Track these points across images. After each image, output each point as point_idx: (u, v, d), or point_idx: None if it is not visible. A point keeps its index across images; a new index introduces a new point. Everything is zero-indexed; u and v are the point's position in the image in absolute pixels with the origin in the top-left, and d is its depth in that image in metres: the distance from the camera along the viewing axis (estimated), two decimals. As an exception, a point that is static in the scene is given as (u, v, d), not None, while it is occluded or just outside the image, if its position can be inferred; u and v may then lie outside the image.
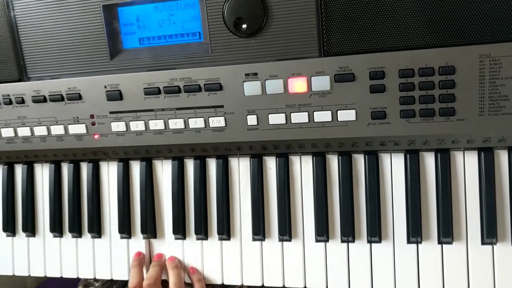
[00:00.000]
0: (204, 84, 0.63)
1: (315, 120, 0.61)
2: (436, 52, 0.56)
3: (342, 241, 0.66)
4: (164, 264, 0.72)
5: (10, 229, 0.79)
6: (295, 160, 0.68)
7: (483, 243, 0.62)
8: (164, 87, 0.64)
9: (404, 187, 0.64)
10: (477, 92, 0.57)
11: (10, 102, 0.70)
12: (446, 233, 0.62)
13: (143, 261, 0.73)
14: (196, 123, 0.65)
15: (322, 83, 0.60)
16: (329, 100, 0.60)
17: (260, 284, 0.69)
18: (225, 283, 0.71)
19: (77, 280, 0.84)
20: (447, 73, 0.56)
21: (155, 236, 0.74)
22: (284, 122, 0.62)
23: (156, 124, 0.66)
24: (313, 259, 0.67)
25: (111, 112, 0.67)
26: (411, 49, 0.57)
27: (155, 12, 0.65)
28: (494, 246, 0.61)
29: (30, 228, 0.78)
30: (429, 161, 0.64)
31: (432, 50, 0.56)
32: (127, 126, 0.67)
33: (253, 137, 0.64)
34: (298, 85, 0.61)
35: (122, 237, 0.75)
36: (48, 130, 0.70)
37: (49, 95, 0.68)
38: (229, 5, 0.60)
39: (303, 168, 0.67)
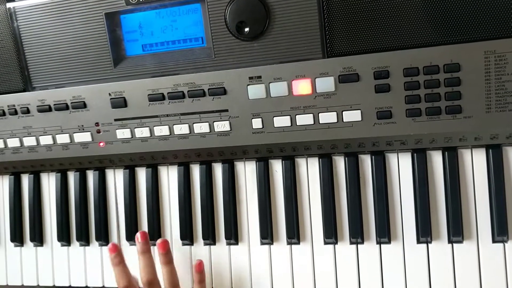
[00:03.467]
0: (208, 89, 0.63)
1: (320, 122, 0.61)
2: (440, 49, 0.56)
3: (351, 243, 0.66)
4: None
5: (18, 239, 0.79)
6: (301, 162, 0.67)
7: (494, 241, 0.61)
8: (168, 93, 0.64)
9: (412, 187, 0.63)
10: (483, 89, 0.56)
11: (16, 112, 0.71)
12: (456, 232, 0.61)
13: (122, 256, 0.68)
14: (201, 128, 0.65)
15: (326, 84, 0.60)
16: (334, 101, 0.60)
17: (269, 288, 0.69)
18: (235, 288, 0.71)
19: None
20: (452, 70, 0.56)
21: (162, 243, 0.73)
22: (289, 124, 0.62)
23: (161, 130, 0.66)
24: (322, 261, 0.66)
25: (116, 120, 0.68)
26: (415, 47, 0.57)
27: (157, 19, 0.65)
28: (506, 244, 0.61)
29: (38, 238, 0.78)
30: (436, 159, 0.63)
31: (437, 48, 0.56)
32: (132, 133, 0.67)
33: (259, 141, 0.64)
34: (302, 87, 0.60)
35: (130, 244, 0.74)
36: (54, 139, 0.71)
37: (54, 104, 0.69)
38: (231, 9, 0.60)
39: (309, 170, 0.67)
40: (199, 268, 0.68)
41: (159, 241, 0.67)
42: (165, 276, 0.67)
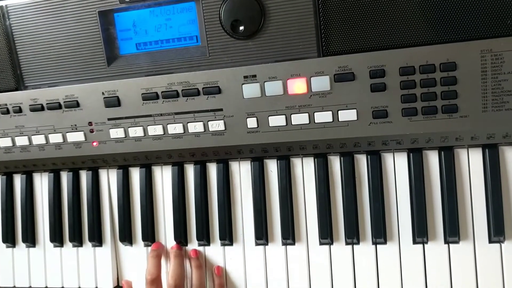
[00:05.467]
0: (203, 88, 0.62)
1: (315, 121, 0.61)
2: (436, 48, 0.56)
3: (347, 243, 0.65)
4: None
5: (10, 240, 0.78)
6: (296, 162, 0.67)
7: (490, 241, 0.61)
8: (162, 92, 0.64)
9: (408, 187, 0.63)
10: (480, 88, 0.56)
11: (8, 112, 0.70)
12: (453, 232, 0.61)
13: (162, 252, 0.72)
14: (196, 127, 0.64)
15: (322, 83, 0.59)
16: (329, 100, 0.60)
17: (264, 290, 0.68)
18: (229, 289, 0.70)
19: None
20: (449, 69, 0.56)
21: (156, 244, 0.73)
22: (285, 124, 0.62)
23: (155, 130, 0.66)
24: (318, 262, 0.66)
25: (109, 119, 0.67)
26: (411, 46, 0.56)
27: (151, 17, 0.64)
28: (502, 244, 0.60)
29: (30, 239, 0.77)
30: (432, 159, 0.63)
31: (433, 46, 0.56)
32: (126, 132, 0.67)
33: (254, 140, 0.63)
34: (297, 86, 0.60)
35: (124, 245, 0.74)
36: (46, 138, 0.70)
37: (47, 103, 0.68)
38: (226, 8, 0.60)
39: (305, 170, 0.66)
40: (219, 272, 0.69)
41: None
42: (194, 279, 0.68)
